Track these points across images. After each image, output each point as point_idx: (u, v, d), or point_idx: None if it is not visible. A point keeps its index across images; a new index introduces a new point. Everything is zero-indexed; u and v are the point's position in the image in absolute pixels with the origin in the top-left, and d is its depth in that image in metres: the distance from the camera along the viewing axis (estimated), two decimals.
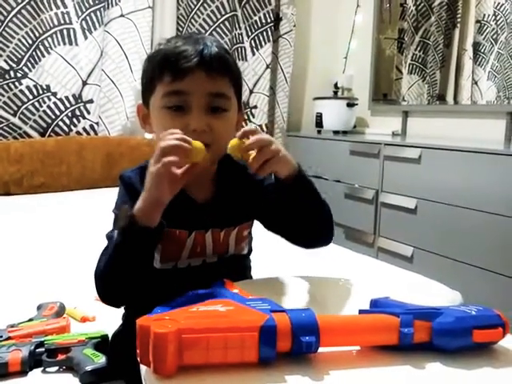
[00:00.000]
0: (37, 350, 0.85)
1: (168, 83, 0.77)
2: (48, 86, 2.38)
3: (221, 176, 0.86)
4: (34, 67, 2.35)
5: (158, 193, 0.68)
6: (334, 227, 0.85)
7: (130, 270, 0.72)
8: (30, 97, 2.34)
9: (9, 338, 0.89)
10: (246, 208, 0.86)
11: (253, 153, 0.71)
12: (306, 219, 0.81)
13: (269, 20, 2.88)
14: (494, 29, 2.24)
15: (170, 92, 0.77)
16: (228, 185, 0.86)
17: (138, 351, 0.51)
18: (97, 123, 2.52)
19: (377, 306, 0.64)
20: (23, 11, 2.30)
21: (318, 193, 0.82)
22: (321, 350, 0.54)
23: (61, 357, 0.85)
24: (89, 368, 0.81)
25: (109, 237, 0.78)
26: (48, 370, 0.84)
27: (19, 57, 2.31)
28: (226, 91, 0.80)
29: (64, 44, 2.40)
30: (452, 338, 0.56)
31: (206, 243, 0.82)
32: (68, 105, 2.43)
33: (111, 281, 0.73)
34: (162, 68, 0.78)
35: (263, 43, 2.88)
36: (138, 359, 0.51)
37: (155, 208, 0.69)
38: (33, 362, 0.84)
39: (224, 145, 0.79)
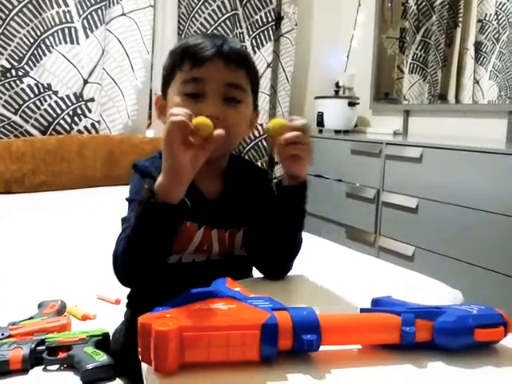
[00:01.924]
0: (38, 348, 0.85)
1: (187, 71, 0.79)
2: (49, 85, 2.38)
3: (230, 173, 0.87)
4: (35, 66, 2.35)
5: (174, 160, 0.65)
6: (291, 266, 0.87)
7: (151, 244, 0.70)
8: (32, 95, 2.34)
9: (10, 336, 0.89)
10: (251, 210, 0.86)
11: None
12: (283, 236, 0.82)
13: (270, 19, 2.87)
14: (495, 28, 2.24)
15: (188, 79, 0.79)
16: (236, 183, 0.86)
17: (139, 349, 0.51)
18: (98, 122, 2.51)
19: (378, 304, 0.64)
20: (25, 10, 2.30)
21: (303, 219, 0.84)
22: (322, 348, 0.54)
23: (62, 355, 0.85)
24: (90, 366, 0.81)
25: (125, 219, 0.77)
26: (49, 368, 0.84)
27: (21, 55, 2.31)
28: (242, 83, 0.81)
29: (65, 43, 2.40)
30: (454, 337, 0.56)
31: (212, 240, 0.83)
32: (69, 103, 2.43)
33: (132, 256, 0.71)
34: (183, 57, 0.80)
35: (264, 42, 2.88)
36: (140, 357, 0.51)
37: (176, 182, 0.67)
38: (34, 360, 0.84)
39: (235, 137, 0.80)
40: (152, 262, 0.72)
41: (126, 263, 0.73)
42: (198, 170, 0.77)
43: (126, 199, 0.82)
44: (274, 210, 0.82)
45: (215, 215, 0.82)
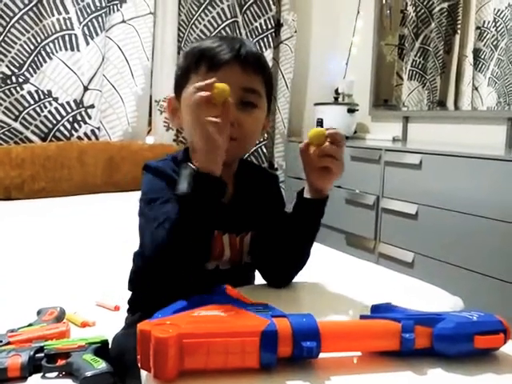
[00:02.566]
0: (36, 355, 0.85)
1: (203, 74, 0.77)
2: (49, 92, 2.39)
3: (240, 177, 0.86)
4: (35, 72, 2.36)
5: (205, 131, 0.66)
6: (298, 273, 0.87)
7: (200, 229, 0.69)
8: (32, 102, 2.35)
9: (9, 343, 0.89)
10: (261, 214, 0.86)
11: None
12: (294, 247, 0.82)
13: (269, 26, 2.89)
14: (494, 35, 2.25)
15: None
16: (247, 187, 0.86)
17: (138, 356, 0.51)
18: (98, 128, 2.52)
19: (378, 311, 0.64)
20: (25, 17, 2.31)
21: (317, 233, 0.84)
22: (322, 355, 0.54)
23: (60, 362, 0.85)
24: (88, 373, 0.80)
25: (149, 218, 0.73)
26: (47, 375, 0.84)
27: (21, 62, 2.32)
28: (258, 87, 0.81)
29: (66, 49, 2.42)
30: (453, 344, 0.55)
31: (224, 245, 0.82)
32: (69, 110, 2.44)
33: (176, 247, 0.68)
34: (198, 60, 0.79)
35: (264, 49, 2.89)
36: (139, 364, 0.51)
37: (212, 153, 0.68)
38: (32, 367, 0.84)
39: (250, 141, 0.80)
40: (197, 256, 0.71)
41: (168, 259, 0.69)
42: None
43: (142, 199, 0.79)
44: (289, 220, 0.81)
45: (227, 219, 0.81)
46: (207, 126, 0.66)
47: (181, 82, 0.82)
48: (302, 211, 0.81)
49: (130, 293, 0.93)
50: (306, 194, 0.81)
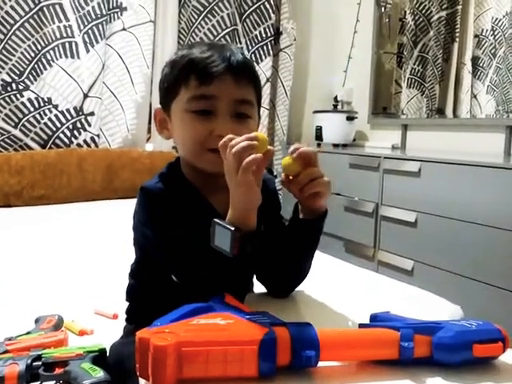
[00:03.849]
0: (34, 364, 0.84)
1: (195, 87, 0.76)
2: (49, 99, 2.39)
3: None
4: (35, 80, 2.36)
5: (248, 198, 0.67)
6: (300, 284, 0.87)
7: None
8: (32, 109, 2.35)
9: (6, 352, 0.88)
10: (259, 221, 0.85)
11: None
12: (294, 263, 0.82)
13: (269, 34, 2.91)
14: (492, 43, 2.27)
15: (197, 96, 0.76)
16: None
17: (137, 364, 0.51)
18: (98, 135, 2.53)
19: (377, 320, 0.64)
20: (26, 24, 2.32)
21: (316, 247, 0.83)
22: (321, 364, 0.54)
23: (58, 371, 0.84)
24: (86, 382, 0.79)
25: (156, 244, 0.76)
26: None
27: (21, 69, 2.33)
28: (251, 98, 0.80)
29: (66, 57, 2.42)
30: (452, 353, 0.55)
31: None
32: (69, 117, 2.45)
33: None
34: (189, 72, 0.76)
35: (263, 57, 2.90)
36: (137, 372, 0.51)
37: (252, 208, 0.68)
38: (30, 376, 0.83)
39: None
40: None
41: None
42: (207, 185, 0.78)
43: (138, 224, 0.79)
44: (287, 237, 0.80)
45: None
46: (254, 184, 0.66)
47: (169, 95, 0.80)
48: (299, 232, 0.79)
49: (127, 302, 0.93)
50: (303, 216, 0.78)
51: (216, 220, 0.68)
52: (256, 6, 2.87)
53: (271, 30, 2.90)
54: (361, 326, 0.62)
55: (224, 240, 0.66)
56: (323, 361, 0.54)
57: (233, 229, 0.65)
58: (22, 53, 2.33)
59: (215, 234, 0.68)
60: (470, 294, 1.75)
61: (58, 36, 2.40)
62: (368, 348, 0.57)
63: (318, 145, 2.82)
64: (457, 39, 2.48)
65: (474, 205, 1.78)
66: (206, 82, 0.75)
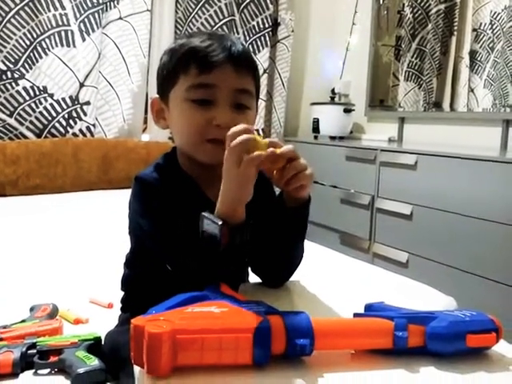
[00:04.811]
0: (29, 352, 0.84)
1: (195, 76, 0.75)
2: (45, 88, 2.37)
3: None
4: (31, 68, 2.34)
5: (242, 192, 0.67)
6: (293, 273, 0.86)
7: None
8: (27, 98, 2.34)
9: (1, 340, 0.88)
10: (253, 212, 0.85)
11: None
12: (285, 248, 0.81)
13: (267, 25, 2.89)
14: (490, 37, 2.26)
15: (197, 85, 0.75)
16: None
17: (131, 352, 0.51)
18: (93, 125, 2.51)
19: (371, 310, 0.64)
20: (21, 12, 2.30)
21: (305, 231, 0.82)
22: (315, 352, 0.54)
23: (53, 359, 0.84)
24: (81, 370, 0.80)
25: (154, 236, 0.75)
26: (40, 372, 0.83)
27: (16, 58, 2.31)
28: (250, 88, 0.79)
29: (62, 45, 2.40)
30: (446, 343, 0.56)
31: None
32: (65, 106, 2.43)
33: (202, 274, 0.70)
34: (189, 60, 0.75)
35: (261, 48, 2.89)
36: (132, 360, 0.51)
37: (243, 201, 0.67)
38: (24, 363, 0.83)
39: None
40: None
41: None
42: (203, 176, 0.78)
43: (133, 214, 0.79)
44: (275, 227, 0.80)
45: None
46: (252, 178, 0.66)
47: (168, 83, 0.79)
48: (286, 219, 0.78)
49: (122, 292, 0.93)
50: (288, 204, 0.77)
51: (204, 214, 0.67)
52: None
53: (269, 20, 2.89)
54: (355, 315, 0.62)
55: (212, 233, 0.66)
56: (317, 349, 0.54)
57: (220, 223, 0.65)
58: (17, 41, 2.30)
59: (203, 227, 0.67)
60: (464, 286, 1.76)
61: (54, 24, 2.38)
62: (362, 337, 0.57)
63: (315, 137, 2.82)
64: (455, 33, 2.48)
65: (469, 198, 1.79)
66: (206, 71, 0.75)
